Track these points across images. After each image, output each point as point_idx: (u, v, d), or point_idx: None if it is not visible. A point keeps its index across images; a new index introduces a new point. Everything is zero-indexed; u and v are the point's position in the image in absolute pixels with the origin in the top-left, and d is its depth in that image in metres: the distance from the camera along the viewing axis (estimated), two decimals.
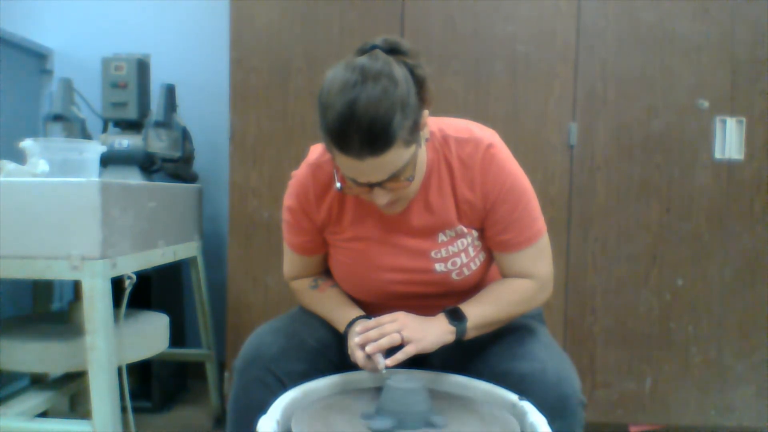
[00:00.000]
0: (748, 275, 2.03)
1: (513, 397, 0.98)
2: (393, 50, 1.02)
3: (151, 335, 1.77)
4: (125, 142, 2.21)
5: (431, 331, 1.06)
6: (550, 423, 0.92)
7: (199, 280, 2.22)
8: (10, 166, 1.57)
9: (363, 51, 1.02)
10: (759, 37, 1.99)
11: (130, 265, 1.60)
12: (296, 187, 1.18)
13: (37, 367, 1.66)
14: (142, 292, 2.11)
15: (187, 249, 2.08)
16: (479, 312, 1.10)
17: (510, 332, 1.15)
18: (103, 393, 1.45)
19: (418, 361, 1.10)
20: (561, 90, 2.02)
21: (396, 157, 0.97)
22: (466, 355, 1.15)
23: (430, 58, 2.00)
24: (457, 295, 1.16)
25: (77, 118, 2.22)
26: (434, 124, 1.13)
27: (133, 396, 1.82)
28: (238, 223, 2.08)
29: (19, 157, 1.63)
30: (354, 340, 1.05)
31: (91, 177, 1.63)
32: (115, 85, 2.22)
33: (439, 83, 1.97)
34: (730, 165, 2.02)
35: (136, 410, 1.73)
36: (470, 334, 1.10)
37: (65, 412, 2.08)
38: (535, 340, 1.12)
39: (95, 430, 1.45)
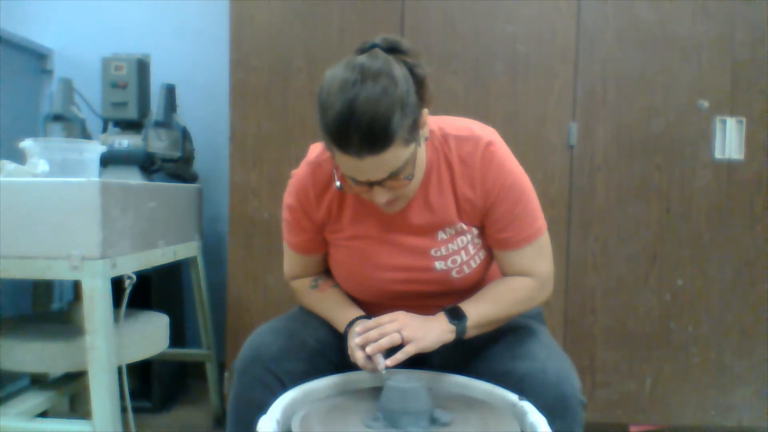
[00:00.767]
0: (748, 275, 2.03)
1: (513, 397, 0.98)
2: (393, 49, 1.02)
3: (151, 335, 1.76)
4: (125, 142, 2.21)
5: (431, 331, 1.06)
6: (550, 423, 0.91)
7: (199, 280, 2.22)
8: (10, 166, 1.57)
9: (363, 50, 1.02)
10: (759, 37, 1.99)
11: (130, 265, 1.60)
12: (296, 186, 1.18)
13: (37, 367, 1.66)
14: (142, 292, 2.11)
15: (187, 249, 2.08)
16: (479, 311, 1.10)
17: (510, 332, 1.15)
18: (103, 393, 1.45)
19: (418, 361, 1.10)
20: (561, 90, 2.02)
21: (395, 155, 0.97)
22: (466, 355, 1.15)
23: (430, 58, 2.00)
24: (457, 293, 1.16)
25: (77, 118, 2.22)
26: (434, 122, 1.14)
27: (133, 396, 1.81)
28: (238, 223, 2.08)
29: (19, 157, 1.63)
30: (354, 340, 1.05)
31: (91, 177, 1.63)
32: (115, 85, 2.22)
33: (439, 83, 1.98)
34: (730, 165, 2.02)
35: (136, 410, 1.72)
36: (470, 333, 1.10)
37: (65, 412, 2.07)
38: (535, 340, 1.12)
39: (95, 430, 1.45)
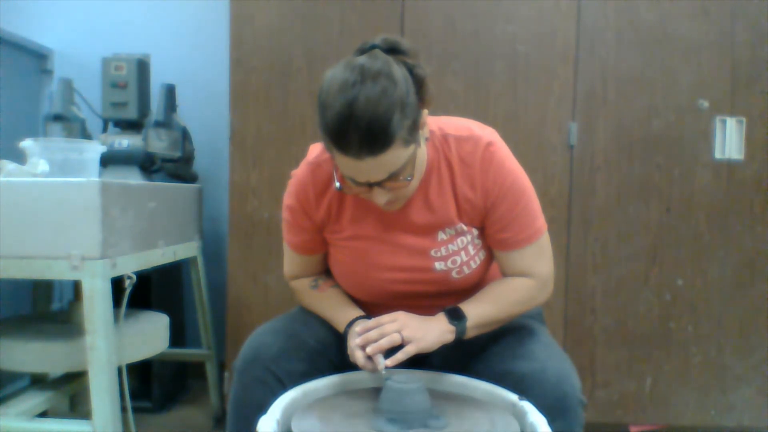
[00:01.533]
0: (748, 275, 2.03)
1: (513, 397, 0.98)
2: (392, 50, 1.02)
3: (151, 335, 1.77)
4: (125, 142, 2.21)
5: (431, 331, 1.06)
6: (550, 423, 0.91)
7: (199, 280, 2.22)
8: (10, 166, 1.57)
9: (362, 50, 1.02)
10: (759, 37, 1.99)
11: (130, 265, 1.60)
12: (296, 186, 1.18)
13: (37, 367, 1.66)
14: (142, 292, 2.11)
15: (187, 249, 2.09)
16: (479, 311, 1.10)
17: (510, 332, 1.15)
18: (103, 393, 1.45)
19: (418, 361, 1.10)
20: (561, 90, 2.02)
21: (395, 156, 0.97)
22: (466, 355, 1.15)
23: (430, 58, 2.00)
24: (457, 294, 1.16)
25: (77, 118, 2.22)
26: (434, 122, 1.14)
27: (133, 396, 1.81)
28: (238, 223, 2.08)
29: (19, 157, 1.63)
30: (354, 340, 1.05)
31: (91, 177, 1.63)
32: (115, 85, 2.22)
33: (439, 83, 1.98)
34: (730, 165, 2.02)
35: (136, 410, 1.72)
36: (470, 333, 1.10)
37: (65, 412, 2.08)
38: (535, 340, 1.12)
39: (95, 430, 1.45)
